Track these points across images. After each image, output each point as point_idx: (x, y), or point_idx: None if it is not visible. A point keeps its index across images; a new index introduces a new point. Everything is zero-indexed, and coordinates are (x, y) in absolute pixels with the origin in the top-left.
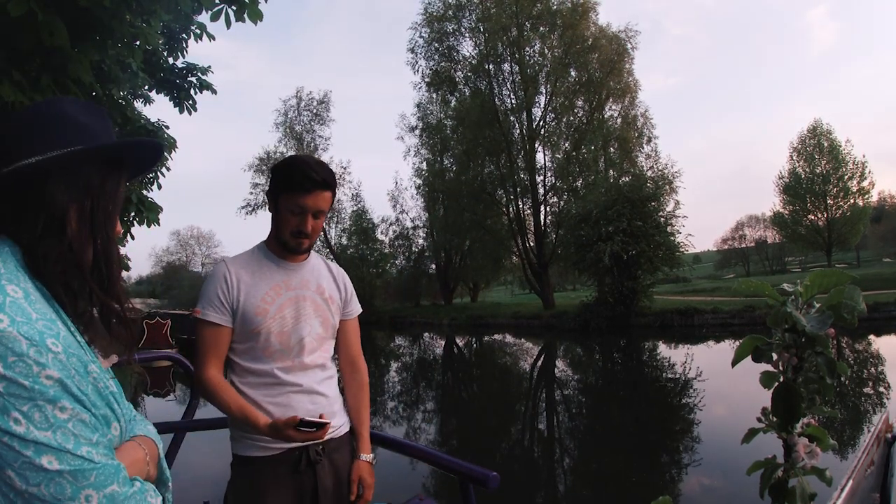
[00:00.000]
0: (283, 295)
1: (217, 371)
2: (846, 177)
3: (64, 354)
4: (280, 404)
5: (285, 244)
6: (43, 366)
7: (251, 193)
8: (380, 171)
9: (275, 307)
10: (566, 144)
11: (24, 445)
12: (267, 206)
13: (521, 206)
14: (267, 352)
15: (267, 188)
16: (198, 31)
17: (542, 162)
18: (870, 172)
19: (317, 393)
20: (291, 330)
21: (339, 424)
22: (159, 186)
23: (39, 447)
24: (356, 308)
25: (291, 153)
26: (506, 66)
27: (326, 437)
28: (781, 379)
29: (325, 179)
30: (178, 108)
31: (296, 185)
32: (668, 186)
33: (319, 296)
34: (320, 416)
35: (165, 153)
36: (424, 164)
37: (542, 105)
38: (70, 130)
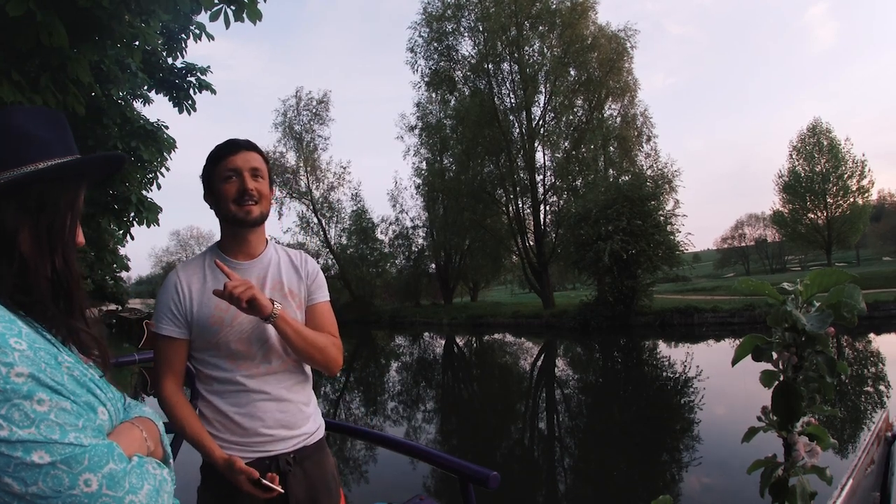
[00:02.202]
0: None
1: (174, 387)
2: (846, 175)
3: (30, 350)
4: (248, 414)
5: (234, 219)
6: (10, 365)
7: None
8: (379, 170)
9: (230, 315)
10: (566, 143)
11: (11, 448)
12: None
13: (520, 206)
14: (230, 360)
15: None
16: (197, 31)
17: (542, 161)
18: (869, 171)
19: (286, 400)
20: (251, 336)
21: (311, 431)
22: (159, 187)
23: (27, 445)
24: (321, 295)
25: (291, 153)
26: (505, 66)
27: (298, 447)
28: (781, 378)
29: (247, 142)
30: (177, 108)
31: (222, 151)
32: (667, 185)
33: (278, 293)
34: (274, 480)
35: (165, 153)
36: (424, 163)
37: (542, 104)
38: (21, 147)
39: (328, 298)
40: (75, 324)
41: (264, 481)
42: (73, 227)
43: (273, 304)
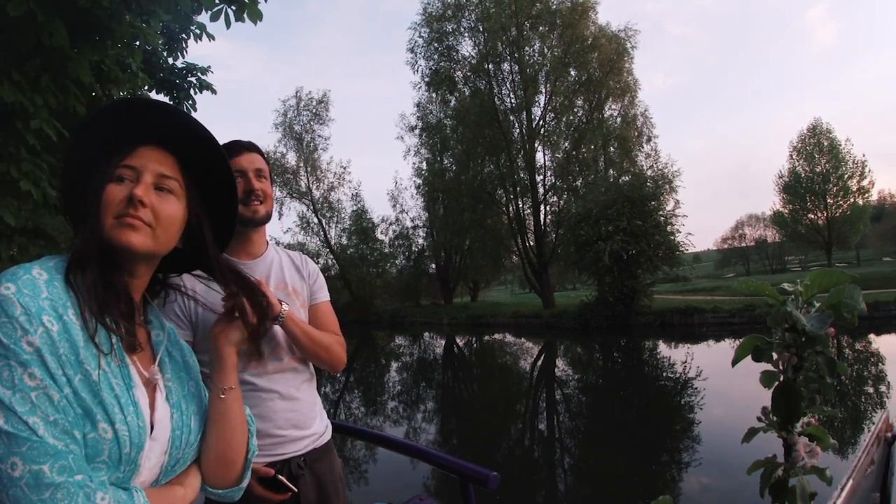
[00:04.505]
0: None
1: None
2: (846, 176)
3: (57, 335)
4: (257, 415)
5: (241, 219)
6: (27, 332)
7: None
8: (380, 170)
9: None
10: (566, 144)
11: None
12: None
13: (520, 206)
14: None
15: None
16: (197, 32)
17: (542, 161)
18: (869, 171)
19: (295, 399)
20: None
21: (319, 432)
22: None
23: None
24: (322, 295)
25: (291, 153)
26: (505, 66)
27: (309, 449)
28: (781, 378)
29: (251, 144)
30: None
31: (226, 153)
32: (667, 186)
33: (282, 292)
34: (285, 482)
35: None
36: (424, 163)
37: (542, 104)
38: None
39: (329, 298)
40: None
41: (280, 477)
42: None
43: (281, 304)
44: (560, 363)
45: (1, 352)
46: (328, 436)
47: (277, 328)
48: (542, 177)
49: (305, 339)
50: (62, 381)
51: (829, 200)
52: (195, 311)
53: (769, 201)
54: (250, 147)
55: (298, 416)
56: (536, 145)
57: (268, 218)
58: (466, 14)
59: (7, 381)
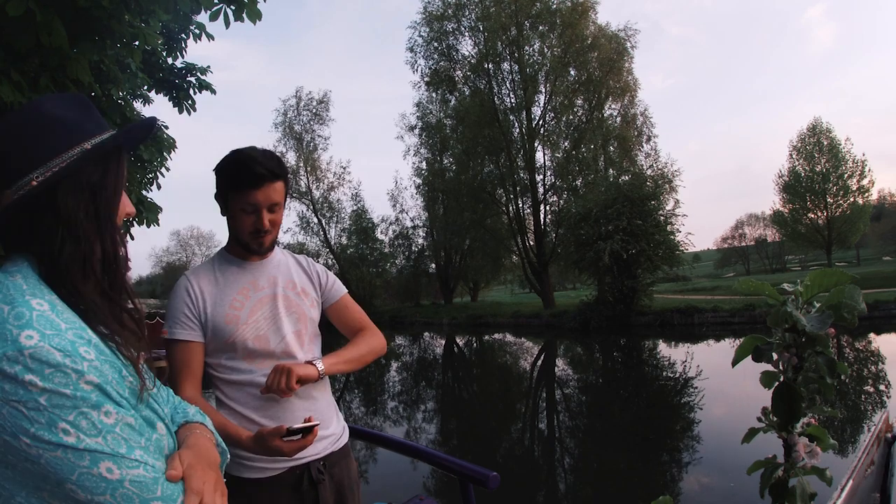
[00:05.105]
0: (252, 297)
1: (195, 391)
2: (846, 175)
3: (97, 361)
4: (274, 417)
5: (246, 246)
6: (81, 373)
7: None
8: (380, 170)
9: (246, 312)
10: (566, 143)
11: (78, 456)
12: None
13: (520, 206)
14: (248, 360)
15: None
16: (197, 31)
17: (542, 161)
18: (869, 171)
19: (312, 398)
20: (269, 332)
21: (338, 433)
22: (159, 187)
23: (94, 455)
24: (339, 289)
25: (291, 153)
26: (505, 66)
27: (328, 452)
28: (781, 378)
29: (273, 170)
30: (177, 109)
31: (243, 181)
32: (667, 185)
33: (291, 291)
34: (307, 420)
35: (165, 153)
36: (424, 163)
37: (542, 104)
38: (62, 133)
39: (346, 290)
40: (121, 302)
41: (302, 424)
42: (116, 202)
43: (313, 363)
44: (560, 363)
45: (68, 404)
46: (346, 438)
47: (288, 327)
48: (541, 176)
49: (351, 366)
50: (127, 405)
51: (829, 200)
52: (204, 310)
53: (769, 201)
54: (275, 174)
55: (316, 416)
56: (536, 145)
57: (273, 246)
58: (466, 13)
59: (91, 430)
